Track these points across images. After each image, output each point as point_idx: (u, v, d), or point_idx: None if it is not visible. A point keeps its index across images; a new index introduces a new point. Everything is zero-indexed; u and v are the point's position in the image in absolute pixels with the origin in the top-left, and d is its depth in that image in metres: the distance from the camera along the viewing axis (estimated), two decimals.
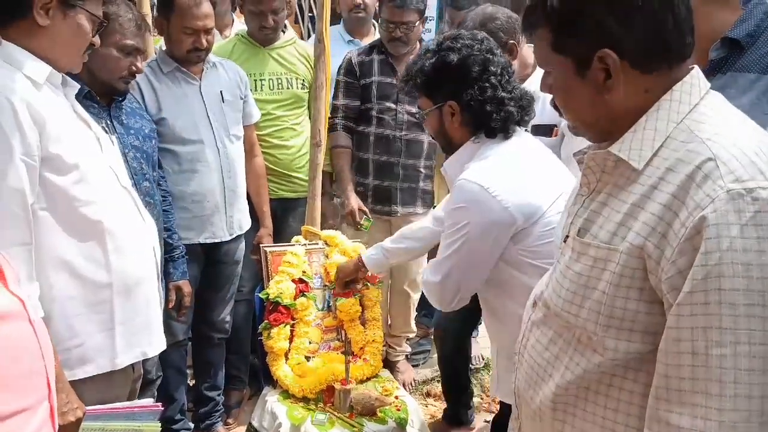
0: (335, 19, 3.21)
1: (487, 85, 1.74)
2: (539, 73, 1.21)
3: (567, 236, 1.13)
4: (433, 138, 1.95)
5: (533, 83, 2.50)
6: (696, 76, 1.04)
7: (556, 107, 1.14)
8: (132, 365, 1.75)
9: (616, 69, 1.01)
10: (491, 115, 1.74)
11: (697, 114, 1.01)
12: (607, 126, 1.07)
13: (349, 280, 2.42)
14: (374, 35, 3.42)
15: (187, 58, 2.50)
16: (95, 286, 1.59)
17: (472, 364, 3.12)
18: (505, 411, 2.69)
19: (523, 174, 1.74)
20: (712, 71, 1.44)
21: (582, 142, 1.30)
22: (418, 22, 2.94)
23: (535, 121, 2.52)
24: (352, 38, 3.43)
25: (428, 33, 4.32)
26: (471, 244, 1.70)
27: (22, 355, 0.91)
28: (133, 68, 2.09)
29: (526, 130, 1.97)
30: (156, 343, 1.77)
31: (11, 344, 0.89)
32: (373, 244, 2.49)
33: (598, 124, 1.09)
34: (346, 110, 3.02)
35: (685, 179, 0.94)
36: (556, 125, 2.53)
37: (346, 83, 3.02)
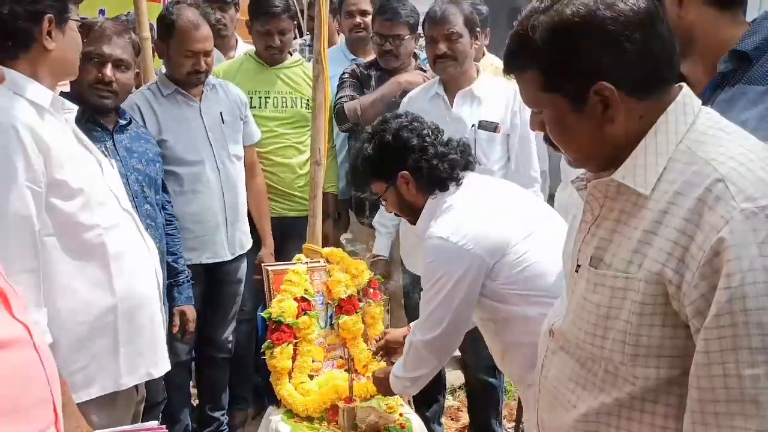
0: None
1: (426, 145, 1.89)
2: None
3: (579, 266, 1.12)
4: (398, 215, 2.09)
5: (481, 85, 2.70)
6: (687, 95, 1.05)
7: (550, 143, 1.13)
8: (136, 387, 1.76)
9: (615, 100, 1.01)
10: (440, 169, 1.88)
11: (696, 133, 1.01)
12: (607, 155, 1.07)
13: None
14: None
15: (187, 80, 2.53)
16: (100, 310, 1.60)
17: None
18: None
19: (480, 214, 1.84)
20: (720, 84, 1.45)
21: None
22: (408, 36, 2.95)
23: (481, 117, 2.65)
24: (355, 57, 3.46)
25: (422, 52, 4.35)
26: (449, 292, 1.76)
27: (28, 382, 0.91)
28: (101, 76, 2.04)
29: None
30: (161, 364, 1.78)
31: (17, 372, 0.89)
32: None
33: (598, 155, 1.09)
34: (351, 99, 3.01)
35: (696, 202, 0.94)
36: (499, 123, 2.66)
37: (351, 82, 3.04)
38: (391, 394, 2.09)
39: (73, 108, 1.68)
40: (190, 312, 2.43)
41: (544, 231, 1.86)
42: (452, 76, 2.69)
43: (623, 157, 1.04)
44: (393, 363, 2.23)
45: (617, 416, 1.05)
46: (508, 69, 1.11)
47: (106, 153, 1.94)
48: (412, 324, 2.25)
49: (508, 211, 1.89)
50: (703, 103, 1.08)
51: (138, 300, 1.68)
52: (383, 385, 2.08)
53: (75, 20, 1.60)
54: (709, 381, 0.92)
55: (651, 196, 1.00)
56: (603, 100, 1.01)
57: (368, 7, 3.35)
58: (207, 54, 2.53)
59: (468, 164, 1.96)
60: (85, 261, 1.58)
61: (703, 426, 0.93)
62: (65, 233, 1.54)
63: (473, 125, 2.66)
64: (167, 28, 2.50)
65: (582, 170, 1.20)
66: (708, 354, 0.92)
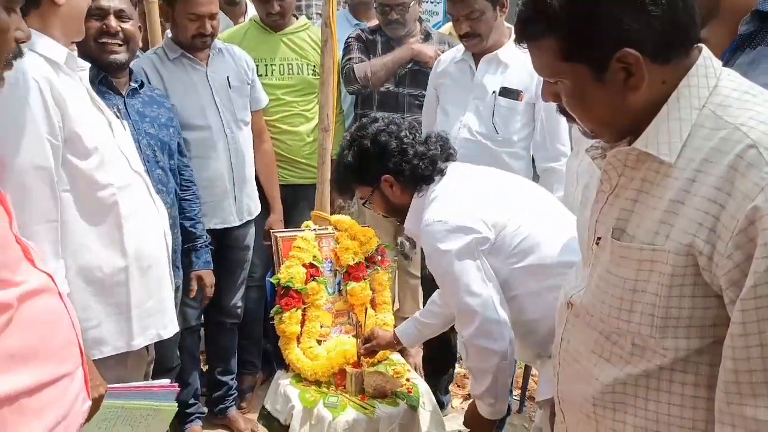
0: None
1: (405, 146, 1.91)
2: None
3: (598, 238, 1.08)
4: (386, 216, 2.09)
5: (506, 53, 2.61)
6: (707, 57, 1.01)
7: (565, 113, 1.09)
8: (147, 348, 1.78)
9: (639, 67, 0.96)
10: (421, 168, 1.90)
11: (720, 97, 0.98)
12: (626, 124, 1.04)
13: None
14: None
15: (192, 43, 2.50)
16: (112, 270, 1.61)
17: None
18: None
19: (471, 193, 1.86)
20: (741, 45, 1.40)
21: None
22: (413, 2, 2.91)
23: (504, 84, 2.58)
24: (358, 21, 3.41)
25: (436, 15, 4.29)
26: (462, 272, 1.75)
27: (56, 327, 0.98)
28: (105, 28, 1.99)
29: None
30: (170, 326, 1.79)
31: (49, 317, 0.96)
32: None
33: (617, 124, 1.05)
34: (360, 61, 2.98)
35: (727, 169, 0.91)
36: (522, 91, 2.59)
37: (358, 45, 3.01)
38: (489, 424, 1.87)
39: (86, 66, 1.67)
40: (208, 277, 2.44)
41: (534, 205, 1.88)
42: (481, 50, 2.64)
43: (643, 124, 1.01)
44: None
45: (645, 387, 1.03)
46: (522, 36, 1.05)
47: (118, 115, 1.93)
48: (396, 330, 2.28)
49: (496, 189, 1.91)
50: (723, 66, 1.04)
51: (148, 261, 1.68)
52: (476, 419, 1.89)
53: None
54: (745, 351, 0.90)
55: (676, 164, 0.97)
56: (626, 68, 0.97)
57: None
58: (212, 17, 2.49)
59: (449, 156, 1.97)
60: (98, 219, 1.58)
61: (738, 395, 0.92)
62: (80, 190, 1.54)
63: (494, 92, 2.61)
64: None
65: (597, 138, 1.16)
66: (744, 324, 0.90)
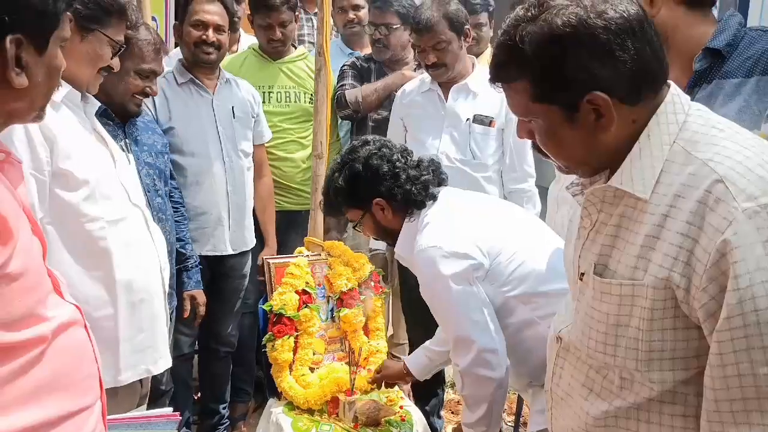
0: None
1: (398, 170, 1.89)
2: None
3: (582, 273, 1.11)
4: (377, 239, 2.09)
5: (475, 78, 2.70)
6: (676, 93, 1.04)
7: (539, 150, 1.12)
8: (140, 381, 1.76)
9: (609, 109, 0.99)
10: (413, 193, 1.88)
11: (688, 133, 1.01)
12: (599, 161, 1.07)
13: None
14: None
15: (194, 54, 2.52)
16: (99, 303, 1.61)
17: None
18: None
19: (465, 220, 1.85)
20: (697, 81, 1.49)
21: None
22: (399, 26, 2.96)
23: (475, 111, 2.67)
24: (351, 51, 3.46)
25: None
26: (458, 298, 1.75)
27: (82, 359, 1.01)
28: (147, 90, 2.10)
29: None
30: (161, 361, 1.78)
31: (76, 350, 0.99)
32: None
33: (590, 162, 1.08)
34: (352, 87, 3.03)
35: (697, 205, 0.94)
36: (494, 118, 2.68)
37: (352, 72, 3.05)
38: None
39: (96, 103, 1.70)
40: (200, 296, 2.44)
41: (527, 232, 1.89)
42: (447, 79, 2.71)
43: (618, 160, 1.04)
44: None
45: (636, 419, 1.04)
46: (496, 78, 1.08)
47: (124, 148, 1.93)
48: (406, 360, 2.25)
49: (489, 215, 1.91)
50: None
51: (139, 296, 1.68)
52: None
53: (110, 38, 1.60)
54: (723, 381, 0.92)
55: (650, 200, 0.99)
56: (596, 109, 1.00)
57: (361, 2, 3.35)
58: (217, 29, 2.52)
59: (441, 181, 1.97)
60: (85, 252, 1.58)
61: (720, 424, 0.93)
62: (66, 223, 1.55)
63: (468, 119, 2.67)
64: (184, 8, 2.53)
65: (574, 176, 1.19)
66: (721, 356, 0.92)
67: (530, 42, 0.99)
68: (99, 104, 1.73)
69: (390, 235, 1.98)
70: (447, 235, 1.79)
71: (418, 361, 2.19)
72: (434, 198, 1.92)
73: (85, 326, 1.03)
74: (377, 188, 1.89)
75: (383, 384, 2.28)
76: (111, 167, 1.67)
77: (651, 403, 1.02)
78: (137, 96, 2.09)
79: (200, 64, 2.56)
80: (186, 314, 2.38)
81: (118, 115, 2.10)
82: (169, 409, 1.44)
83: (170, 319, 2.23)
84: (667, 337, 0.98)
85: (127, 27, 1.68)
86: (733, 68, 1.44)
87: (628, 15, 0.98)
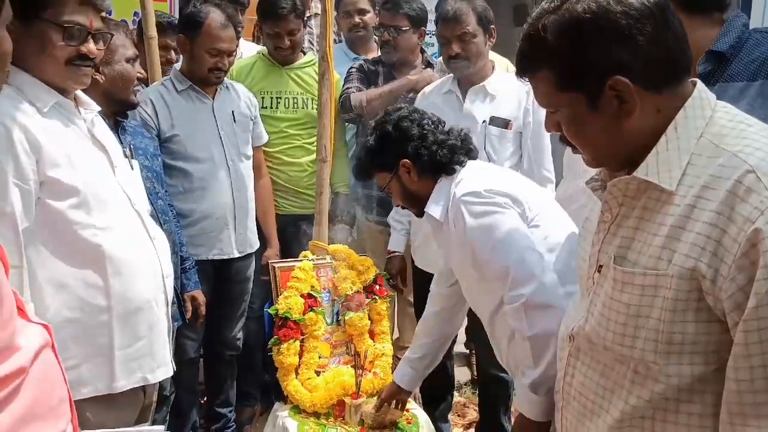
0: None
1: (426, 132, 1.94)
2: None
3: (600, 266, 1.11)
4: (404, 207, 2.06)
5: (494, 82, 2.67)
6: (702, 90, 1.05)
7: (567, 142, 1.13)
8: (143, 389, 1.74)
9: (630, 93, 1.00)
10: (439, 155, 1.91)
11: (716, 127, 1.01)
12: (625, 152, 1.07)
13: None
14: (378, 51, 3.47)
15: (206, 77, 2.56)
16: (93, 310, 1.59)
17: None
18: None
19: (496, 177, 1.88)
20: None
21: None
22: (408, 29, 2.96)
23: (492, 113, 2.65)
24: (356, 55, 3.47)
25: (431, 47, 4.37)
26: (509, 224, 1.69)
27: (55, 382, 0.95)
28: (139, 75, 2.13)
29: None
30: (159, 370, 1.75)
31: (48, 374, 0.93)
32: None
33: (616, 153, 1.09)
34: (358, 90, 3.03)
35: (727, 195, 0.94)
36: (511, 120, 2.65)
37: (359, 75, 3.06)
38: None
39: (95, 108, 1.69)
40: (200, 296, 2.44)
41: (554, 210, 1.88)
42: (466, 75, 2.69)
43: (641, 155, 1.04)
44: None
45: (651, 419, 1.03)
46: (522, 71, 1.11)
47: (127, 154, 1.90)
48: (394, 378, 2.19)
49: (522, 186, 1.89)
50: None
51: (136, 303, 1.66)
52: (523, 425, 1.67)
53: (53, 23, 1.52)
54: (748, 372, 0.92)
55: (676, 192, 1.00)
56: (618, 95, 1.01)
57: (366, 6, 3.36)
58: (230, 54, 2.58)
59: (469, 151, 1.98)
60: (78, 259, 1.57)
61: (741, 416, 0.93)
62: (58, 231, 1.54)
63: (484, 121, 2.66)
64: (194, 25, 2.53)
65: (596, 170, 1.19)
66: (747, 345, 0.91)
67: (552, 30, 1.02)
68: (99, 108, 1.71)
69: (416, 202, 1.97)
70: (484, 184, 1.80)
71: (404, 374, 2.19)
72: (461, 164, 1.93)
73: (53, 346, 0.97)
74: (404, 148, 1.93)
75: (397, 404, 2.24)
76: (109, 173, 1.65)
77: (668, 401, 1.01)
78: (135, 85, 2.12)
79: (210, 84, 2.60)
80: (188, 314, 2.39)
81: (108, 118, 2.12)
82: (161, 428, 1.40)
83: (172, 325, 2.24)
84: (688, 329, 0.97)
85: (80, 2, 1.55)
86: (737, 71, 1.44)
87: (649, 1, 1.00)
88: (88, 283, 1.58)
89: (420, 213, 1.98)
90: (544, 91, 1.08)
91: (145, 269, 1.70)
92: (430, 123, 1.97)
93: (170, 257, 1.85)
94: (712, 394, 0.98)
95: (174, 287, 1.91)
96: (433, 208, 1.90)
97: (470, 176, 1.88)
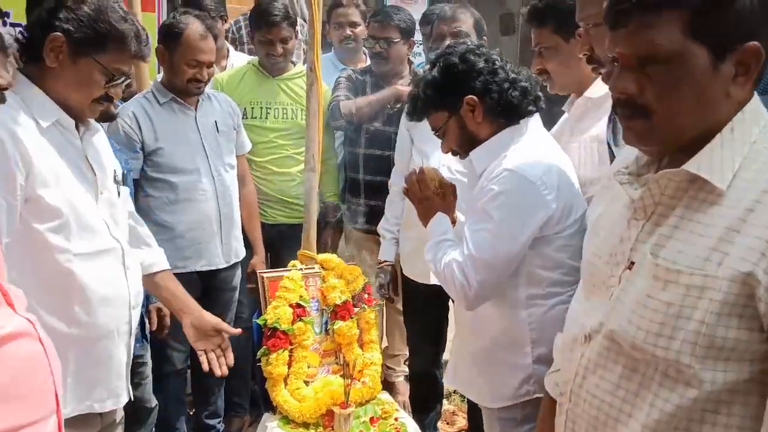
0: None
1: (497, 68, 1.75)
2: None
3: (632, 262, 1.06)
4: (454, 151, 1.87)
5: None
6: (756, 99, 1.03)
7: (629, 115, 1.04)
8: (99, 414, 1.69)
9: (758, 64, 0.94)
10: (511, 95, 1.73)
11: None
12: (691, 134, 1.02)
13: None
14: (366, 62, 3.49)
15: (186, 88, 2.56)
16: (53, 334, 1.51)
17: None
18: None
19: (559, 167, 1.72)
20: None
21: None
22: (399, 40, 3.00)
23: None
24: (344, 66, 3.50)
25: (419, 57, 4.40)
26: (512, 228, 1.65)
27: (32, 371, 0.99)
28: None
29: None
30: (110, 401, 1.70)
31: (26, 361, 0.98)
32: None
33: (684, 128, 1.02)
34: (346, 98, 3.05)
35: None
36: None
37: (347, 84, 3.09)
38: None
39: (97, 128, 1.69)
40: (165, 308, 2.40)
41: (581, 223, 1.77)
42: None
43: (696, 146, 1.00)
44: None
45: (675, 428, 1.00)
46: (642, 3, 0.98)
47: (118, 180, 1.85)
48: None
49: (573, 173, 1.79)
50: None
51: (97, 333, 1.63)
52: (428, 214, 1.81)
53: (103, 66, 1.55)
54: None
55: (726, 193, 0.97)
56: (742, 63, 0.95)
57: (358, 19, 3.40)
58: (210, 65, 2.59)
59: (538, 99, 1.80)
60: (47, 283, 1.53)
61: None
62: (33, 251, 1.51)
63: None
64: (174, 36, 2.53)
65: (623, 164, 1.14)
66: None
67: None
68: (100, 128, 1.71)
69: (470, 145, 1.79)
70: (540, 170, 1.67)
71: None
72: (529, 114, 1.76)
73: (41, 340, 1.01)
74: (472, 83, 1.73)
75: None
76: (92, 200, 1.62)
77: (694, 411, 0.98)
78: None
79: (190, 95, 2.60)
80: (153, 327, 2.36)
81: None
82: None
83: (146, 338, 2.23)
84: (730, 334, 0.94)
85: (133, 56, 1.60)
86: (763, 85, 1.42)
87: None
88: (49, 307, 1.54)
89: (464, 156, 1.84)
90: (664, 35, 0.96)
91: (113, 300, 1.66)
92: (499, 59, 1.77)
93: (141, 288, 1.80)
94: (741, 405, 0.97)
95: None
96: (480, 158, 1.76)
97: (529, 148, 1.71)
